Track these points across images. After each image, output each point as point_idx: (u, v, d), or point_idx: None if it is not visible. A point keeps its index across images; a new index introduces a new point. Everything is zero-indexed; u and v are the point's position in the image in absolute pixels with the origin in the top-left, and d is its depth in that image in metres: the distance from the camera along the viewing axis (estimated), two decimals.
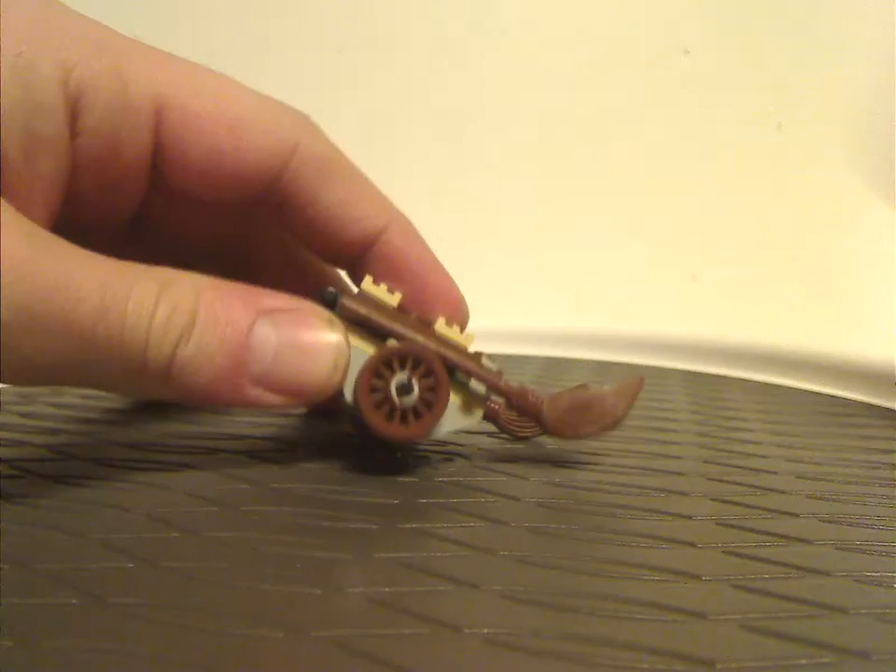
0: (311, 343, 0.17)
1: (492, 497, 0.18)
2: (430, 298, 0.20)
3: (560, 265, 0.49)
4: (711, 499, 0.18)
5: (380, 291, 0.19)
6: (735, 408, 0.29)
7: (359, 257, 0.20)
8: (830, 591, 0.13)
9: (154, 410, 0.25)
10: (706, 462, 0.21)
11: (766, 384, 0.34)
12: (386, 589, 0.13)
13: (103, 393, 0.27)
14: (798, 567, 0.14)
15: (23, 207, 0.16)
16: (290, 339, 0.17)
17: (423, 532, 0.15)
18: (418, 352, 0.18)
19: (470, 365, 0.19)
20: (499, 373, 0.19)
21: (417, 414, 0.18)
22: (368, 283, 0.19)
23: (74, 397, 0.26)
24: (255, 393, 0.17)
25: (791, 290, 0.48)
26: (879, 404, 0.30)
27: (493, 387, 0.19)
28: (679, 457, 0.21)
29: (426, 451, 0.21)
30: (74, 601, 0.12)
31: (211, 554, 0.14)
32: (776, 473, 0.20)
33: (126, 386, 0.17)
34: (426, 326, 0.19)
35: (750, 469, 0.20)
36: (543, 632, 0.12)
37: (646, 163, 0.50)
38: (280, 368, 0.17)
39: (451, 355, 0.18)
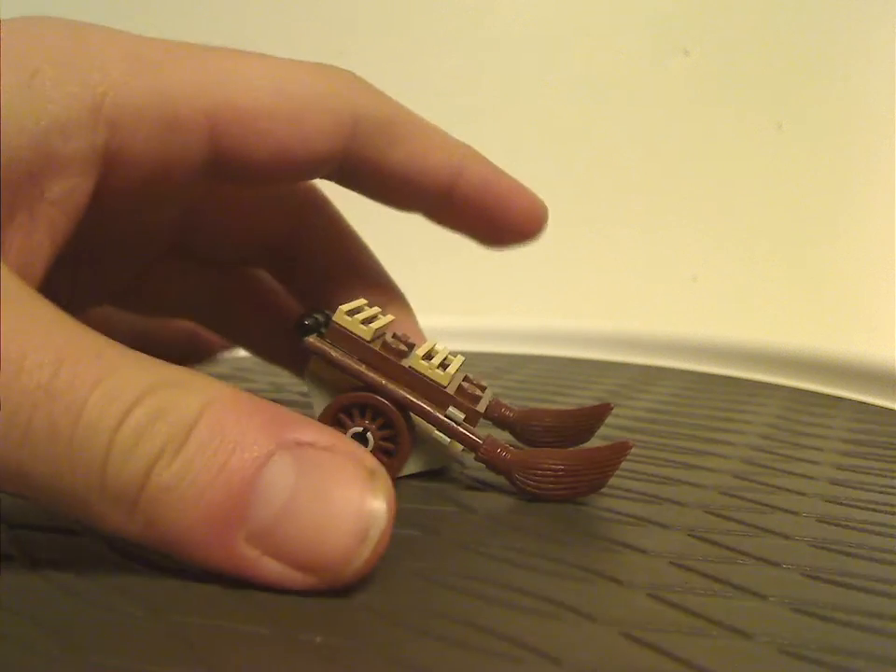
0: (339, 498, 0.12)
1: (454, 506, 0.17)
2: (517, 218, 0.20)
3: (559, 265, 0.49)
4: (688, 535, 0.16)
5: (353, 323, 0.18)
6: (815, 434, 0.25)
7: (442, 201, 0.20)
8: (738, 657, 0.11)
9: None
10: (722, 493, 0.18)
11: (871, 405, 0.30)
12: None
13: None
14: (724, 626, 0.12)
15: (20, 229, 0.15)
16: (313, 486, 0.12)
17: None
18: (375, 404, 0.17)
19: (434, 416, 0.17)
20: (476, 414, 0.18)
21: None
22: (341, 315, 0.18)
23: None
24: (250, 554, 0.12)
25: (791, 290, 0.48)
26: None
27: (457, 439, 0.18)
28: (695, 484, 0.19)
29: None
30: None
31: None
32: (795, 514, 0.17)
33: (82, 510, 0.12)
34: (401, 364, 0.18)
35: (766, 507, 0.18)
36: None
37: (646, 164, 0.50)
38: (290, 524, 0.12)
39: (415, 402, 0.17)
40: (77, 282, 0.20)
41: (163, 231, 0.21)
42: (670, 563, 0.14)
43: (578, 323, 0.41)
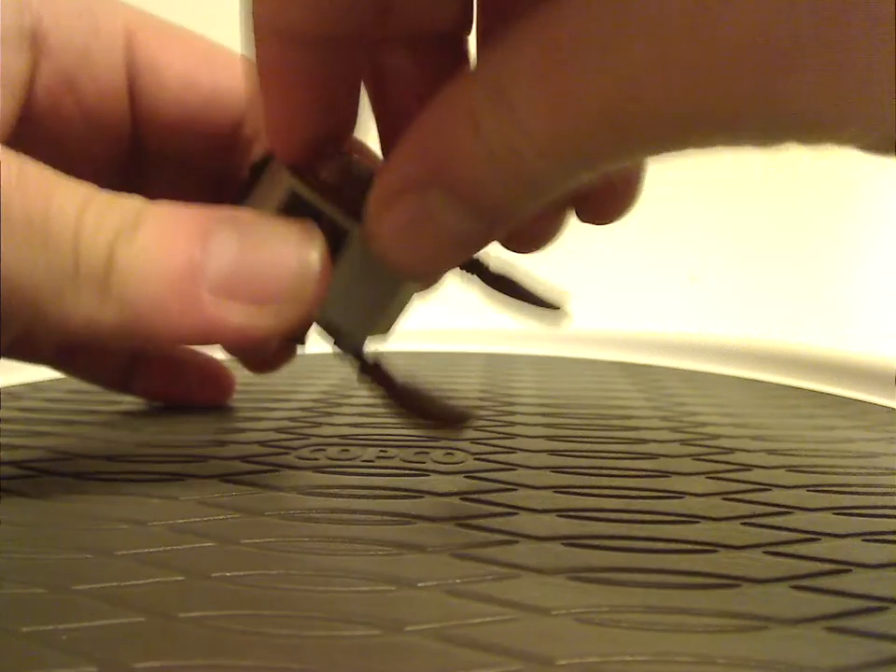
0: (280, 247, 0.14)
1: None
2: None
3: (558, 265, 0.48)
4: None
5: None
6: (695, 404, 0.28)
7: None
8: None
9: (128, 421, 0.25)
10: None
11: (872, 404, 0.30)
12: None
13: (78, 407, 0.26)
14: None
15: None
16: (256, 241, 0.14)
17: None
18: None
19: None
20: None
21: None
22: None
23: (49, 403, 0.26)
24: (214, 304, 0.14)
25: (792, 290, 0.49)
26: (879, 403, 0.29)
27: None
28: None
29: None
30: (141, 619, 0.12)
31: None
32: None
33: (57, 305, 0.13)
34: None
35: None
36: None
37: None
38: (244, 270, 0.14)
39: None
40: None
41: (111, 164, 0.20)
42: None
43: (576, 323, 0.41)
